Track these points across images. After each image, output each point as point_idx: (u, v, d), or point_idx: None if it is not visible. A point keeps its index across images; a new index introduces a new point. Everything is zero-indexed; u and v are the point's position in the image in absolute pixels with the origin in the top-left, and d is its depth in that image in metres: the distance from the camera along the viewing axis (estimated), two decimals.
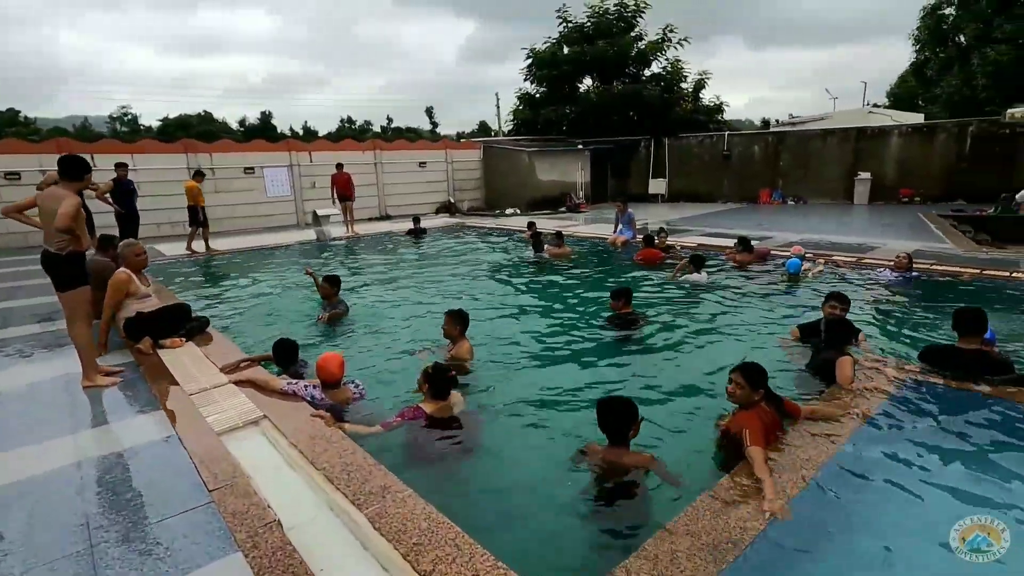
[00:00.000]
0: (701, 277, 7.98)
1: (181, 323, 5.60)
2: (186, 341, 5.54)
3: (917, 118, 27.75)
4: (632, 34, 22.09)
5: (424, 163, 19.53)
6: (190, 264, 11.23)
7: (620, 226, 12.04)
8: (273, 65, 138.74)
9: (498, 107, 37.32)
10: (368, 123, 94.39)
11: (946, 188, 16.74)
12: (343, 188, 14.36)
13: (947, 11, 18.65)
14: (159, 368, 4.88)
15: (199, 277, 10.16)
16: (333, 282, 6.59)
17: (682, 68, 21.94)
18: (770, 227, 13.46)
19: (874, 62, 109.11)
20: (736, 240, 9.37)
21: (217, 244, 12.73)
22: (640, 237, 11.71)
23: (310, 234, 14.42)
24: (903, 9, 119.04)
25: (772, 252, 9.67)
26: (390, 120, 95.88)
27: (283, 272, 10.22)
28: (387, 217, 18.46)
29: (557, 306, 7.47)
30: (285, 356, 4.76)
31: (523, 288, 8.61)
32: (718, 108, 22.13)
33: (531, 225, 13.49)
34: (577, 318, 6.86)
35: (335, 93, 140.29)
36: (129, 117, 67.95)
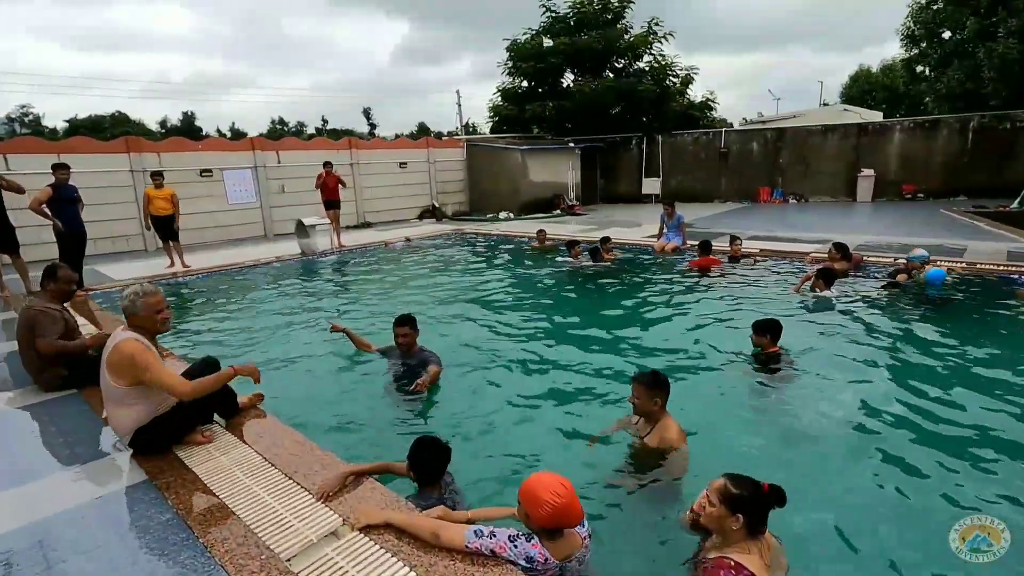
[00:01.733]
0: (831, 294, 6.64)
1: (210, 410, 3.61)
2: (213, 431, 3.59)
3: (877, 115, 28.30)
4: (618, 26, 20.86)
5: (405, 163, 17.47)
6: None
7: (667, 231, 10.62)
8: (193, 63, 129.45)
9: (459, 105, 35.32)
10: (302, 124, 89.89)
11: (948, 183, 16.50)
12: (332, 192, 12.18)
13: (937, 6, 18.55)
14: (197, 490, 2.92)
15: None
16: (412, 323, 4.67)
17: (672, 63, 20.95)
18: (803, 228, 12.48)
19: (786, 67, 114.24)
20: (832, 246, 8.12)
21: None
22: (691, 244, 10.41)
23: (286, 247, 12.17)
24: (808, 20, 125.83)
25: (866, 258, 8.53)
26: (325, 121, 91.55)
27: (276, 301, 8.10)
28: (367, 225, 16.31)
29: (656, 334, 5.91)
30: (433, 465, 2.93)
31: (602, 310, 7.01)
32: (708, 104, 21.31)
33: (541, 232, 11.91)
34: (694, 353, 5.33)
35: (261, 93, 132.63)
36: (31, 117, 60.73)
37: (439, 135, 47.86)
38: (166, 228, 10.07)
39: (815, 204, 17.71)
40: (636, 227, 14.00)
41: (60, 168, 7.71)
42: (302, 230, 11.42)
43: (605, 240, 10.55)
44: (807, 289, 6.89)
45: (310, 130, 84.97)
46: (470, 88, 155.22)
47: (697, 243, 9.52)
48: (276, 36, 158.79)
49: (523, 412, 4.22)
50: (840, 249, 8.08)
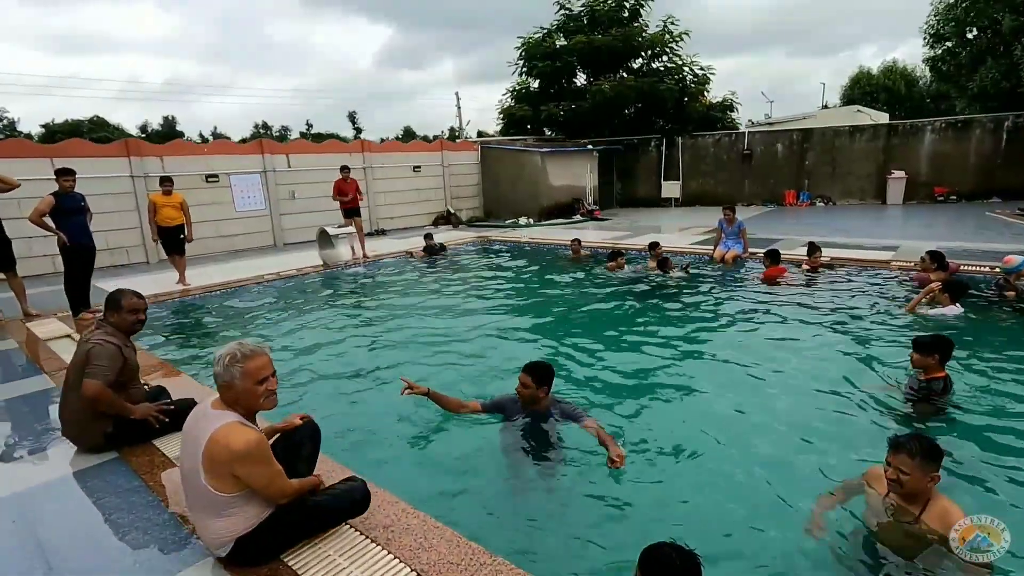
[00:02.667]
0: (956, 310, 5.90)
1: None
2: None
3: (884, 116, 28.05)
4: (635, 24, 20.16)
5: (419, 167, 16.55)
6: (167, 310, 7.84)
7: (725, 238, 9.86)
8: (169, 66, 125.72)
9: (459, 107, 34.49)
10: (286, 128, 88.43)
11: (981, 185, 16.04)
12: (352, 200, 11.23)
13: (965, 3, 18.13)
14: None
15: (185, 341, 6.89)
16: (542, 374, 3.60)
17: (692, 61, 20.29)
18: (858, 232, 11.83)
19: (763, 71, 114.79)
20: (926, 254, 7.39)
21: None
22: (754, 252, 9.67)
23: (300, 258, 11.21)
24: (780, 25, 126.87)
25: (961, 267, 7.84)
26: (310, 125, 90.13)
27: (317, 324, 7.15)
28: (381, 232, 15.35)
29: (774, 363, 5.10)
30: None
31: (692, 333, 6.19)
32: (729, 105, 20.70)
33: (576, 242, 11.06)
34: (828, 385, 4.52)
35: (241, 97, 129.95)
36: (6, 121, 58.46)
37: (425, 139, 46.96)
38: (174, 240, 9.02)
39: (844, 207, 17.14)
40: (658, 232, 13.34)
41: (64, 174, 6.69)
42: (325, 240, 10.45)
43: (654, 246, 9.78)
44: (925, 305, 6.14)
45: (294, 134, 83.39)
46: (450, 91, 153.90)
47: (763, 252, 8.77)
48: (254, 40, 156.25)
49: (693, 478, 3.36)
50: (936, 258, 7.33)
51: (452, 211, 17.14)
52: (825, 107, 38.56)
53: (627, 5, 20.43)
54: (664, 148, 19.47)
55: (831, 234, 11.72)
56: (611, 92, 18.64)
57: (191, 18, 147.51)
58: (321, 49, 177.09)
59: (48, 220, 6.57)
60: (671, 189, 19.33)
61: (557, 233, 14.13)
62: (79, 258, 6.80)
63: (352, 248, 11.01)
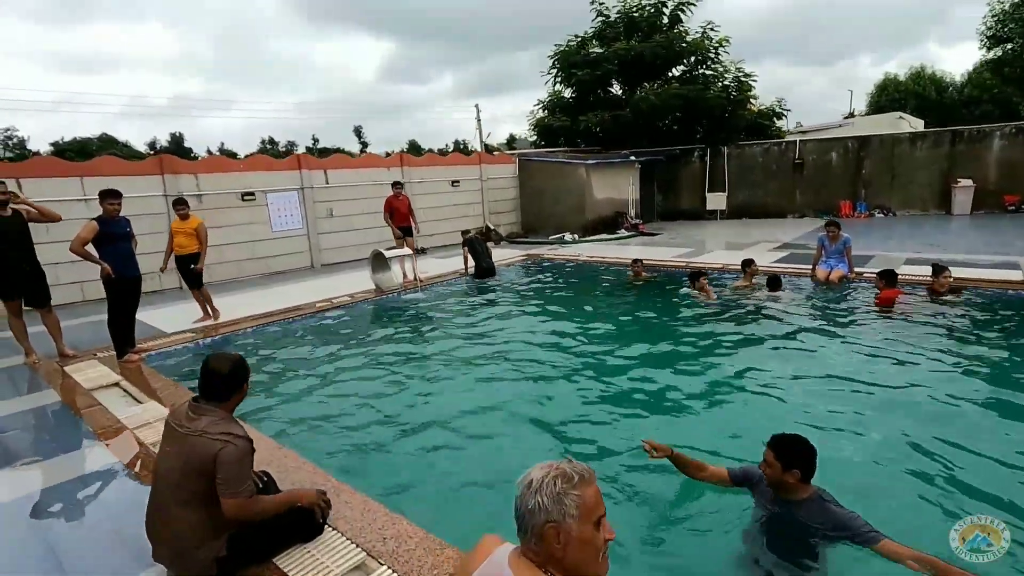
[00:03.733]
0: None
1: None
2: None
3: (919, 123, 27.21)
4: (676, 31, 19.37)
5: (457, 181, 15.69)
6: (209, 350, 6.88)
7: (826, 257, 8.89)
8: (172, 84, 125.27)
9: (479, 119, 33.80)
10: (292, 143, 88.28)
11: None
12: (404, 217, 10.37)
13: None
14: None
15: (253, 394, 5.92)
16: (795, 456, 2.62)
17: (738, 67, 19.42)
18: (949, 248, 10.88)
19: (761, 80, 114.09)
20: None
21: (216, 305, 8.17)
22: (858, 271, 8.73)
23: (345, 281, 10.30)
24: (775, 36, 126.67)
25: None
26: (316, 140, 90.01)
27: (410, 367, 6.20)
28: (422, 251, 14.42)
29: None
30: None
31: (825, 368, 5.20)
32: (777, 112, 19.82)
33: (638, 263, 10.11)
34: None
35: (248, 112, 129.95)
36: (15, 140, 58.08)
37: (429, 152, 46.11)
38: (184, 271, 7.68)
39: (905, 218, 16.19)
40: (703, 246, 12.45)
41: (109, 196, 5.77)
42: (380, 262, 9.53)
43: (748, 263, 8.82)
44: None
45: (300, 149, 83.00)
46: (453, 104, 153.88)
47: (876, 272, 7.79)
48: (258, 56, 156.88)
49: None
50: None
51: (492, 227, 16.23)
52: (851, 115, 37.76)
53: (666, 11, 19.67)
54: (708, 158, 18.59)
55: (924, 250, 10.77)
56: (657, 100, 17.80)
57: (196, 35, 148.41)
58: (325, 65, 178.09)
59: (91, 249, 5.66)
60: (716, 201, 18.41)
61: (609, 250, 13.24)
62: (125, 291, 5.87)
63: (404, 271, 10.10)
